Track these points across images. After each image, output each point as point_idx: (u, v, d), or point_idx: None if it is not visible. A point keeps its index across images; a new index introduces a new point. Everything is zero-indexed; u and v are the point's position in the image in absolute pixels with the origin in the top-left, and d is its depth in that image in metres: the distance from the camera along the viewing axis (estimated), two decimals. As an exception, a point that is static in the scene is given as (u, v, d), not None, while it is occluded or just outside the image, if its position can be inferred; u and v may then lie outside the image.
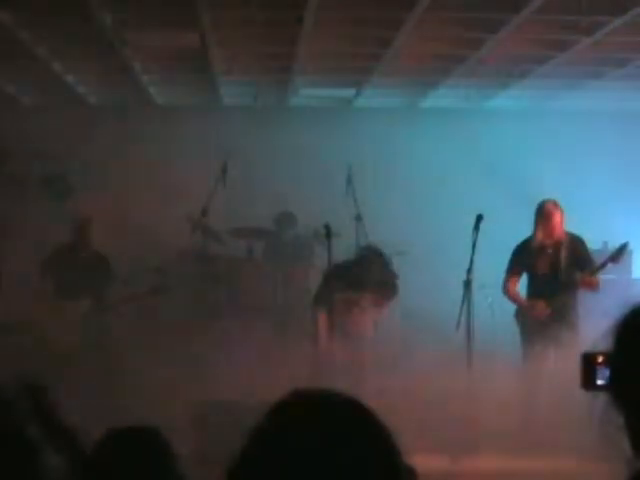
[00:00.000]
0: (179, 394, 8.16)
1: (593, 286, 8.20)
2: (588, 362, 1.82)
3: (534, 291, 8.42)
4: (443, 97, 11.33)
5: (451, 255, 9.47)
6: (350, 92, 11.25)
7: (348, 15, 7.83)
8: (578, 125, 11.78)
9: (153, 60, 9.54)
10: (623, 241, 8.42)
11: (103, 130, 11.52)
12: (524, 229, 8.53)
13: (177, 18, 7.89)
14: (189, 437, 7.29)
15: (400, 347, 9.03)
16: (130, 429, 3.13)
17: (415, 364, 8.65)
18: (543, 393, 8.00)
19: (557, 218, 8.27)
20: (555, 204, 8.32)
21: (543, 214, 8.28)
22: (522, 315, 8.42)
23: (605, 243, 10.48)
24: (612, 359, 1.73)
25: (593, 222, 10.14)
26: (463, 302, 8.10)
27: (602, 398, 1.71)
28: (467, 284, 8.13)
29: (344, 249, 9.33)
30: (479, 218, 8.16)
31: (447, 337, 8.19)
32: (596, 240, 9.87)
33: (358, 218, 10.24)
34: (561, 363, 7.68)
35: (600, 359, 1.80)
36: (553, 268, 8.30)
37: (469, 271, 8.15)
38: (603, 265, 8.23)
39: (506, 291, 8.48)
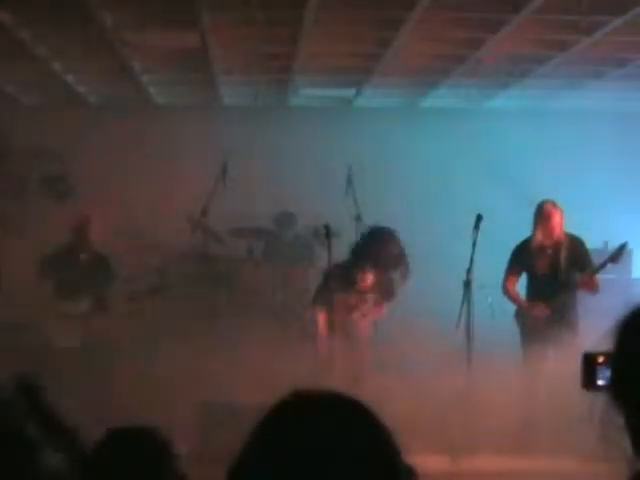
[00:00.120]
0: (179, 394, 8.16)
1: (592, 287, 8.21)
2: (589, 362, 1.82)
3: (534, 291, 8.42)
4: (443, 97, 11.33)
5: (451, 255, 9.46)
6: (350, 92, 11.25)
7: (348, 15, 7.83)
8: (578, 125, 11.78)
9: (153, 60, 9.53)
10: (623, 241, 8.42)
11: (103, 130, 11.51)
12: (524, 229, 8.53)
13: (177, 18, 7.89)
14: (189, 437, 7.29)
15: (400, 347, 9.02)
16: (130, 429, 3.13)
17: (415, 364, 8.65)
18: (543, 393, 8.00)
19: (556, 218, 8.27)
20: (554, 204, 8.32)
21: (542, 214, 8.29)
22: (522, 315, 8.42)
23: (605, 243, 10.47)
24: (613, 359, 1.73)
25: (593, 222, 10.14)
26: (463, 302, 8.10)
27: (602, 398, 1.70)
28: (467, 284, 8.13)
29: (344, 249, 9.33)
30: (479, 218, 8.16)
31: (447, 337, 8.19)
32: (596, 240, 9.87)
33: (358, 218, 10.23)
34: (561, 363, 7.67)
35: (601, 359, 1.80)
36: (553, 268, 8.31)
37: (469, 271, 8.15)
38: (603, 265, 8.23)
39: (505, 291, 8.49)
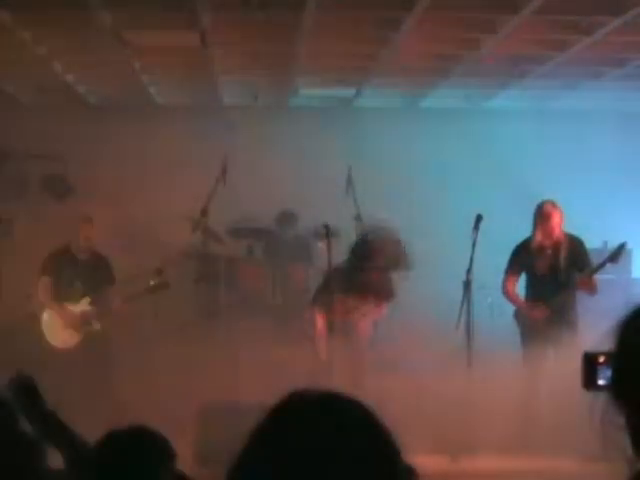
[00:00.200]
0: (179, 394, 8.16)
1: (591, 288, 8.21)
2: (589, 362, 1.82)
3: (533, 292, 8.42)
4: (443, 97, 11.33)
5: (451, 255, 9.46)
6: (350, 92, 11.25)
7: (348, 15, 7.82)
8: (578, 125, 11.78)
9: (153, 60, 9.53)
10: (623, 240, 8.42)
11: (103, 130, 11.51)
12: (524, 229, 8.53)
13: (177, 18, 7.89)
14: (189, 437, 7.29)
15: (400, 347, 9.02)
16: (130, 429, 3.13)
17: (415, 364, 8.65)
18: (543, 393, 8.01)
19: (556, 219, 8.27)
20: (554, 205, 8.32)
21: (542, 215, 8.29)
22: (522, 315, 8.43)
23: (605, 243, 10.48)
24: (613, 359, 1.73)
25: (593, 222, 10.15)
26: (463, 302, 8.10)
27: (603, 398, 1.70)
28: (467, 284, 8.13)
29: (344, 249, 9.33)
30: (479, 218, 8.16)
31: (447, 337, 8.19)
32: (596, 240, 9.88)
33: (358, 218, 10.24)
34: (561, 363, 7.68)
35: (601, 359, 1.80)
36: (552, 269, 8.31)
37: (469, 271, 8.16)
38: (601, 265, 8.24)
39: (505, 291, 8.49)
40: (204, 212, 9.95)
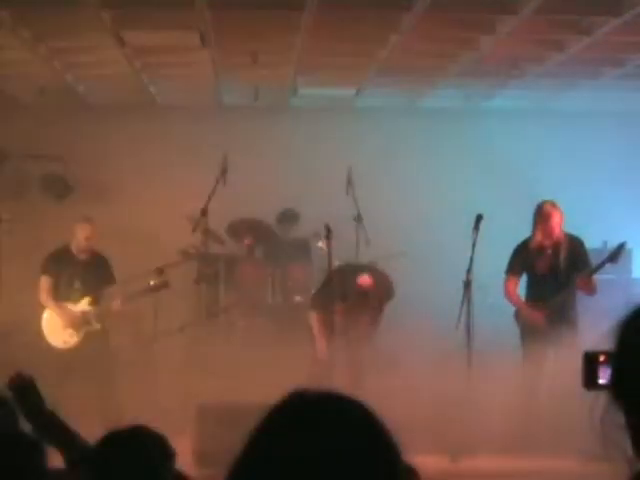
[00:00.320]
0: (179, 394, 8.16)
1: (590, 288, 8.21)
2: (590, 361, 1.82)
3: (533, 292, 8.42)
4: (443, 97, 11.33)
5: (451, 255, 9.47)
6: (350, 92, 11.25)
7: (348, 15, 7.82)
8: (578, 125, 11.78)
9: (153, 60, 9.53)
10: (622, 240, 8.42)
11: (103, 130, 11.51)
12: (524, 229, 8.53)
13: (177, 18, 7.88)
14: (189, 437, 7.29)
15: (400, 347, 9.02)
16: (130, 429, 3.12)
17: (415, 364, 8.65)
18: (543, 393, 8.01)
19: (556, 219, 8.27)
20: (554, 205, 8.32)
21: (542, 215, 8.28)
22: (522, 315, 8.43)
23: (605, 243, 10.48)
24: (614, 359, 1.73)
25: (593, 222, 10.15)
26: (463, 302, 8.10)
27: (603, 398, 1.70)
28: (467, 284, 8.13)
29: (344, 249, 9.34)
30: (479, 218, 8.16)
31: (447, 337, 8.19)
32: (596, 240, 9.88)
33: (358, 218, 10.24)
34: (561, 363, 7.67)
35: (602, 358, 1.80)
36: (552, 269, 8.31)
37: (469, 271, 8.16)
38: (601, 265, 8.24)
39: (506, 292, 8.48)
40: (204, 212, 9.95)
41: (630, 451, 1.65)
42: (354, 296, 8.50)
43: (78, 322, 8.93)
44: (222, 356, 8.62)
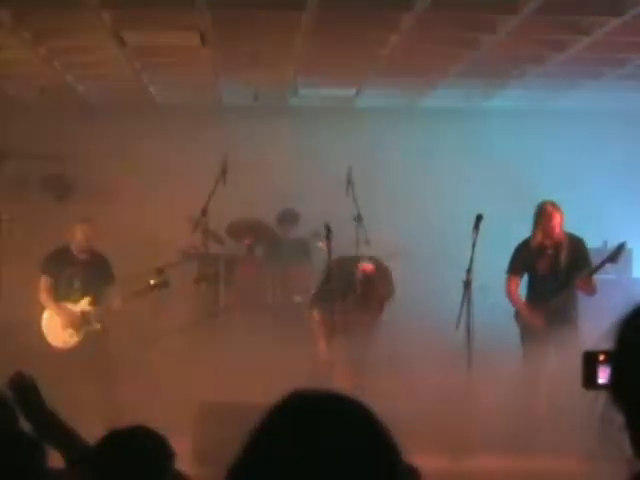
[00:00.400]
0: (179, 394, 8.15)
1: (590, 289, 8.21)
2: (589, 361, 1.82)
3: (534, 292, 8.42)
4: (443, 97, 11.33)
5: (451, 255, 9.47)
6: (350, 92, 11.25)
7: (348, 15, 7.82)
8: (578, 125, 11.78)
9: (153, 60, 9.53)
10: (622, 240, 8.42)
11: (103, 130, 11.52)
12: (524, 229, 8.53)
13: (177, 18, 7.88)
14: (189, 437, 7.29)
15: (400, 347, 9.02)
16: (129, 429, 3.12)
17: (415, 364, 8.65)
18: (543, 393, 8.00)
19: (557, 219, 8.27)
20: (555, 205, 8.31)
21: (543, 215, 8.28)
22: (521, 316, 8.43)
23: (604, 242, 10.48)
24: (613, 358, 1.73)
25: (593, 221, 10.15)
26: (463, 302, 8.10)
27: (603, 398, 1.70)
28: (467, 284, 8.13)
29: (344, 249, 9.33)
30: (479, 218, 8.16)
31: (447, 337, 8.19)
32: (596, 239, 9.88)
33: (358, 218, 10.23)
34: (561, 363, 7.68)
35: (601, 358, 1.80)
36: (553, 269, 8.31)
37: (469, 271, 8.15)
38: (601, 265, 8.24)
39: (508, 292, 8.46)
40: (204, 212, 9.95)
41: (629, 451, 1.65)
42: (355, 288, 8.47)
43: (78, 322, 8.93)
44: (222, 356, 8.62)
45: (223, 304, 10.45)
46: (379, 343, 8.83)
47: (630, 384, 1.67)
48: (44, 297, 9.03)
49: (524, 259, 8.39)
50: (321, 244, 9.67)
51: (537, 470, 7.24)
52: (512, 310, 8.56)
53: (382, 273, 8.62)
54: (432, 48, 9.01)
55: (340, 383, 7.81)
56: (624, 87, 10.58)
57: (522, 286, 8.63)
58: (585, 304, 8.37)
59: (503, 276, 8.54)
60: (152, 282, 9.15)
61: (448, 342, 8.22)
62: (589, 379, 1.82)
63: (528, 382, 8.13)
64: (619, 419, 1.65)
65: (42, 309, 9.08)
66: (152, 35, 8.38)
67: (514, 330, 8.52)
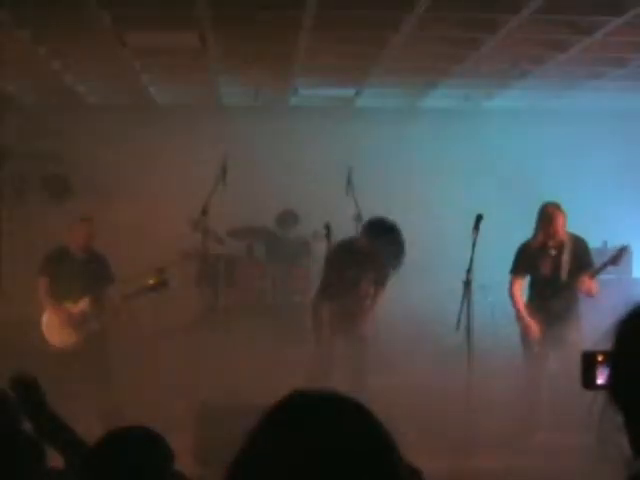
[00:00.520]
0: (179, 394, 8.16)
1: (591, 291, 8.21)
2: (588, 361, 1.82)
3: (536, 292, 8.41)
4: (443, 97, 11.33)
5: (451, 255, 9.47)
6: (350, 92, 11.25)
7: (348, 15, 7.82)
8: (578, 125, 11.79)
9: (153, 60, 9.53)
10: (622, 240, 8.43)
11: (103, 130, 11.52)
12: (524, 229, 8.53)
13: (177, 18, 7.88)
14: (189, 437, 7.29)
15: (400, 347, 9.02)
16: (129, 429, 3.12)
17: (415, 364, 8.66)
18: (543, 393, 8.00)
19: (560, 221, 8.27)
20: (558, 207, 8.30)
21: (546, 217, 8.28)
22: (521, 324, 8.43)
23: (605, 242, 10.48)
24: (612, 358, 1.73)
25: (593, 221, 10.15)
26: (463, 302, 8.09)
27: (602, 398, 1.70)
28: (467, 284, 8.12)
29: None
30: (479, 218, 8.15)
31: (447, 337, 8.19)
32: (596, 239, 9.88)
33: (358, 218, 10.23)
34: (561, 363, 7.68)
35: (600, 358, 1.80)
36: (555, 270, 8.31)
37: (469, 271, 8.14)
38: (603, 267, 8.25)
39: (511, 294, 8.45)
40: (204, 212, 9.95)
41: (628, 451, 1.65)
42: (357, 256, 8.41)
43: (77, 322, 8.93)
44: (222, 356, 8.62)
45: (223, 304, 10.45)
46: (380, 343, 8.83)
47: (628, 384, 1.67)
48: (43, 298, 9.02)
49: (527, 260, 8.39)
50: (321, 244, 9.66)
51: (537, 470, 7.24)
52: (512, 310, 8.56)
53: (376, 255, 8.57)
54: (432, 48, 9.01)
55: (340, 383, 7.81)
56: (624, 87, 10.58)
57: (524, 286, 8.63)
58: (585, 304, 8.37)
59: (503, 276, 8.54)
60: (152, 282, 9.15)
61: (448, 342, 8.22)
62: (588, 379, 1.82)
63: (528, 382, 8.13)
64: (617, 419, 1.65)
65: (42, 309, 9.08)
66: (152, 35, 8.38)
67: (514, 330, 8.52)
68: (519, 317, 8.39)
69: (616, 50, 8.92)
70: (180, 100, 11.82)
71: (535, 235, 8.37)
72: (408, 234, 8.77)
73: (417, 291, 10.23)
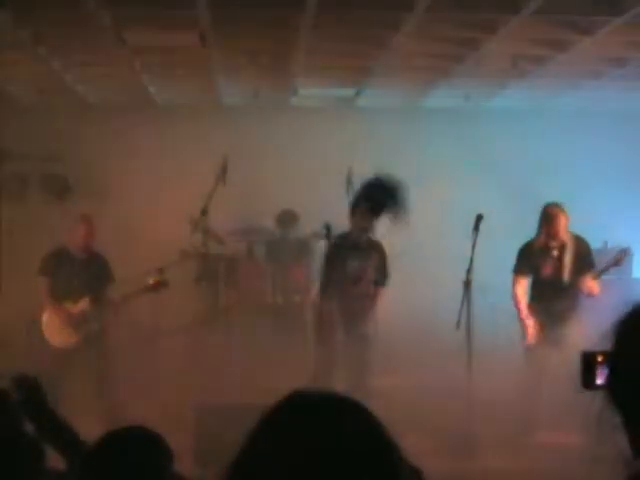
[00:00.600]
0: (179, 394, 8.16)
1: (593, 292, 8.22)
2: (587, 361, 1.82)
3: (538, 293, 8.41)
4: (443, 97, 11.33)
5: (451, 255, 9.46)
6: (350, 92, 11.25)
7: (348, 15, 7.82)
8: (578, 125, 11.78)
9: (153, 60, 9.53)
10: (622, 240, 8.44)
11: (103, 130, 11.52)
12: (524, 229, 8.53)
13: (177, 18, 7.88)
14: (189, 437, 7.29)
15: (400, 347, 9.02)
16: (129, 429, 3.12)
17: (415, 364, 8.65)
18: (543, 393, 8.00)
19: (562, 221, 8.27)
20: (560, 208, 8.30)
21: (548, 218, 8.28)
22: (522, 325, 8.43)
23: (605, 243, 10.47)
24: (611, 359, 1.73)
25: (593, 221, 10.15)
26: (463, 302, 8.09)
27: (602, 398, 1.70)
28: (467, 284, 8.12)
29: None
30: (479, 218, 8.16)
31: (447, 337, 8.19)
32: (596, 239, 9.88)
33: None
34: (561, 363, 7.67)
35: (600, 358, 1.80)
36: (557, 270, 8.31)
37: (469, 271, 8.15)
38: (605, 269, 8.26)
39: (514, 295, 8.44)
40: (204, 212, 9.95)
41: (627, 451, 1.65)
42: (355, 249, 8.47)
43: (77, 322, 8.92)
44: (222, 356, 8.62)
45: (223, 304, 10.45)
46: (380, 342, 8.83)
47: (627, 385, 1.67)
48: (43, 298, 9.02)
49: (529, 260, 8.38)
50: (321, 244, 9.67)
51: (537, 470, 7.24)
52: (512, 310, 8.55)
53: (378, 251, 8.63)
54: (432, 48, 9.00)
55: (340, 383, 7.81)
56: (624, 87, 10.58)
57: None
58: (585, 304, 8.38)
59: (503, 276, 8.54)
60: (152, 282, 9.14)
61: (448, 342, 8.22)
62: (588, 379, 1.81)
63: (528, 382, 8.13)
64: (616, 419, 1.65)
65: (42, 309, 9.08)
66: (152, 35, 8.38)
67: (514, 330, 8.52)
68: (521, 317, 8.39)
69: (616, 50, 8.91)
70: (180, 100, 11.81)
71: (537, 235, 8.38)
72: (408, 234, 8.78)
73: (417, 291, 10.22)
